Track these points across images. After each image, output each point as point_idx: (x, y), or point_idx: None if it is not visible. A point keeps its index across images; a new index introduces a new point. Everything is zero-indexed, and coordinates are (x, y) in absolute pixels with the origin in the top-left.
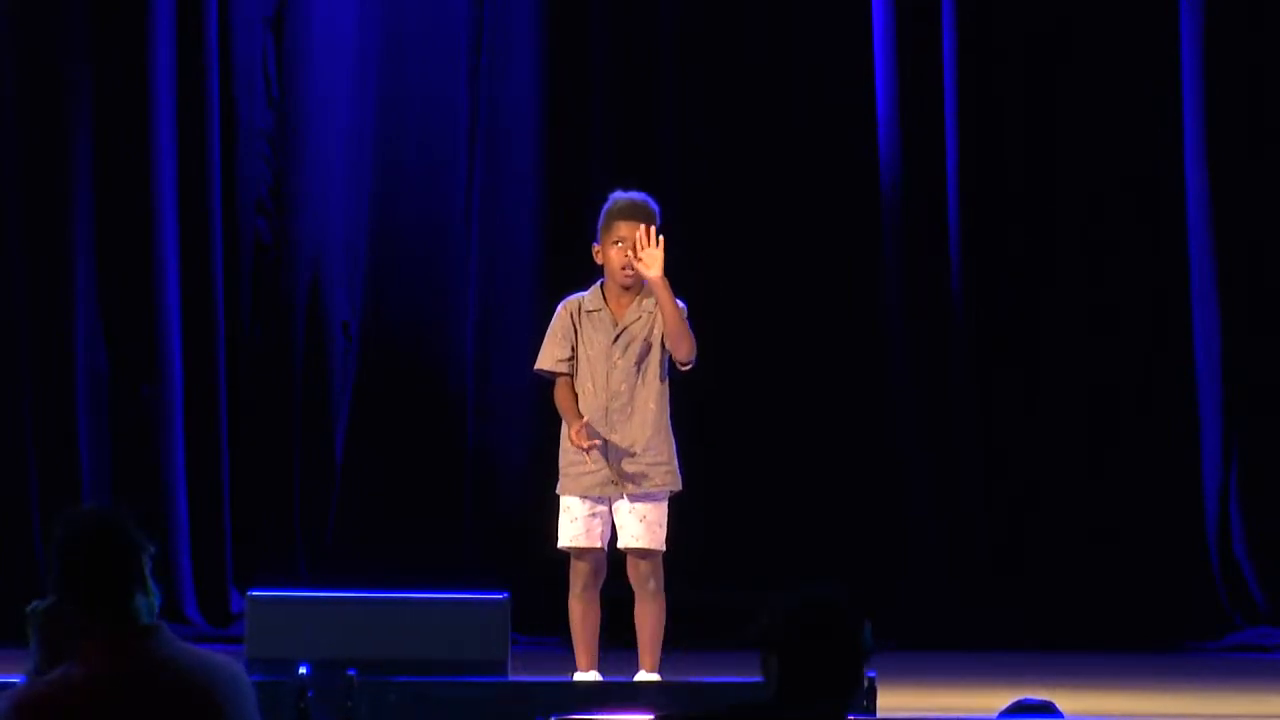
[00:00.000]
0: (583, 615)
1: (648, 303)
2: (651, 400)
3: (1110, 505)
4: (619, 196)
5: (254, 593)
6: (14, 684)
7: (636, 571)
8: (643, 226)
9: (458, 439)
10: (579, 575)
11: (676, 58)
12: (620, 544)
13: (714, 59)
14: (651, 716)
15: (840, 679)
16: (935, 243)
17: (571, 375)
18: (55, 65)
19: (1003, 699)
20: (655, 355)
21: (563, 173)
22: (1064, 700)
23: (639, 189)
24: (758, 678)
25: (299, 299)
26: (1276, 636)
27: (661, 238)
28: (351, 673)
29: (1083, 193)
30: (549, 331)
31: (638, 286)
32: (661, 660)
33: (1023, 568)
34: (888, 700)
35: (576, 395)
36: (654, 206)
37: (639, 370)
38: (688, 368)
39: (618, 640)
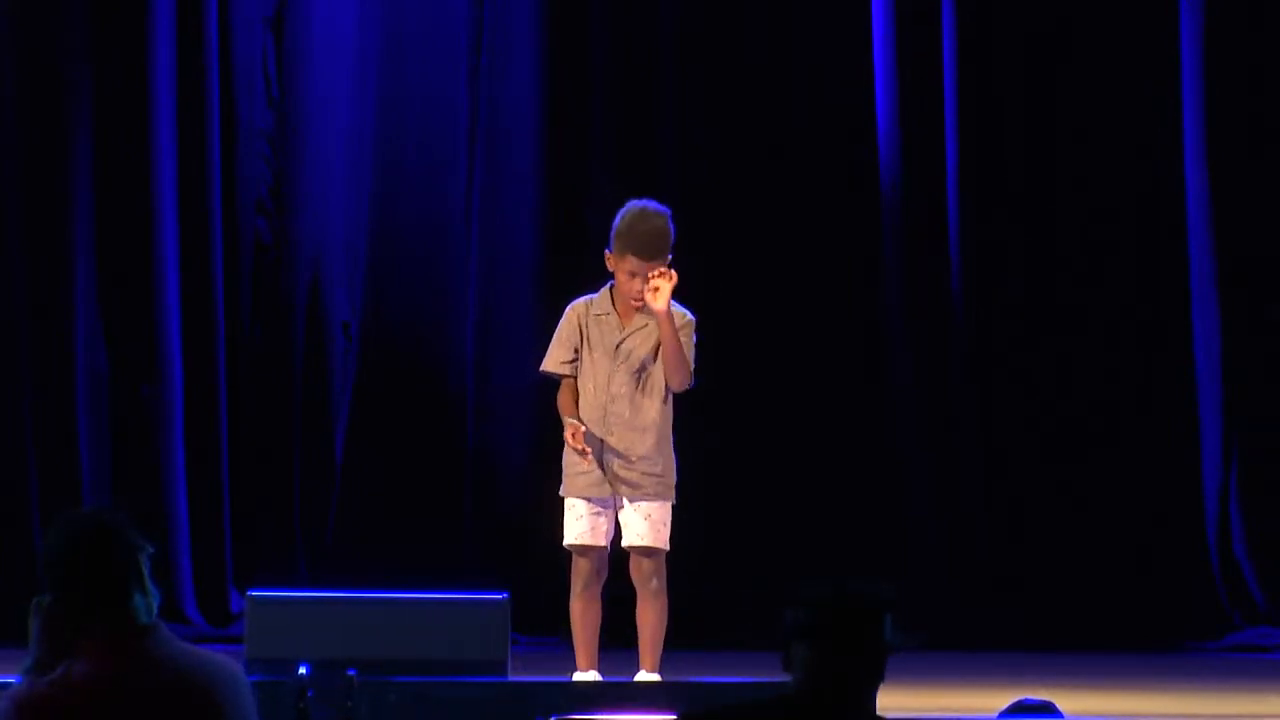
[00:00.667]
0: (583, 614)
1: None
2: (653, 409)
3: (1110, 505)
4: (638, 222)
5: (254, 593)
6: (12, 684)
7: (639, 570)
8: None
9: (458, 439)
10: (581, 574)
11: (676, 58)
12: (624, 542)
13: (714, 59)
14: (651, 716)
15: (865, 672)
16: (935, 243)
17: (575, 377)
18: (55, 65)
19: (1003, 699)
20: (659, 364)
21: (563, 173)
22: (1064, 700)
23: (638, 189)
24: (758, 678)
25: (299, 299)
26: (1276, 636)
27: (674, 272)
28: (351, 673)
29: (1083, 193)
30: (556, 333)
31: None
32: (661, 660)
33: (1023, 568)
34: (888, 700)
35: (579, 396)
36: (671, 229)
37: (641, 377)
38: (681, 391)
39: (619, 640)
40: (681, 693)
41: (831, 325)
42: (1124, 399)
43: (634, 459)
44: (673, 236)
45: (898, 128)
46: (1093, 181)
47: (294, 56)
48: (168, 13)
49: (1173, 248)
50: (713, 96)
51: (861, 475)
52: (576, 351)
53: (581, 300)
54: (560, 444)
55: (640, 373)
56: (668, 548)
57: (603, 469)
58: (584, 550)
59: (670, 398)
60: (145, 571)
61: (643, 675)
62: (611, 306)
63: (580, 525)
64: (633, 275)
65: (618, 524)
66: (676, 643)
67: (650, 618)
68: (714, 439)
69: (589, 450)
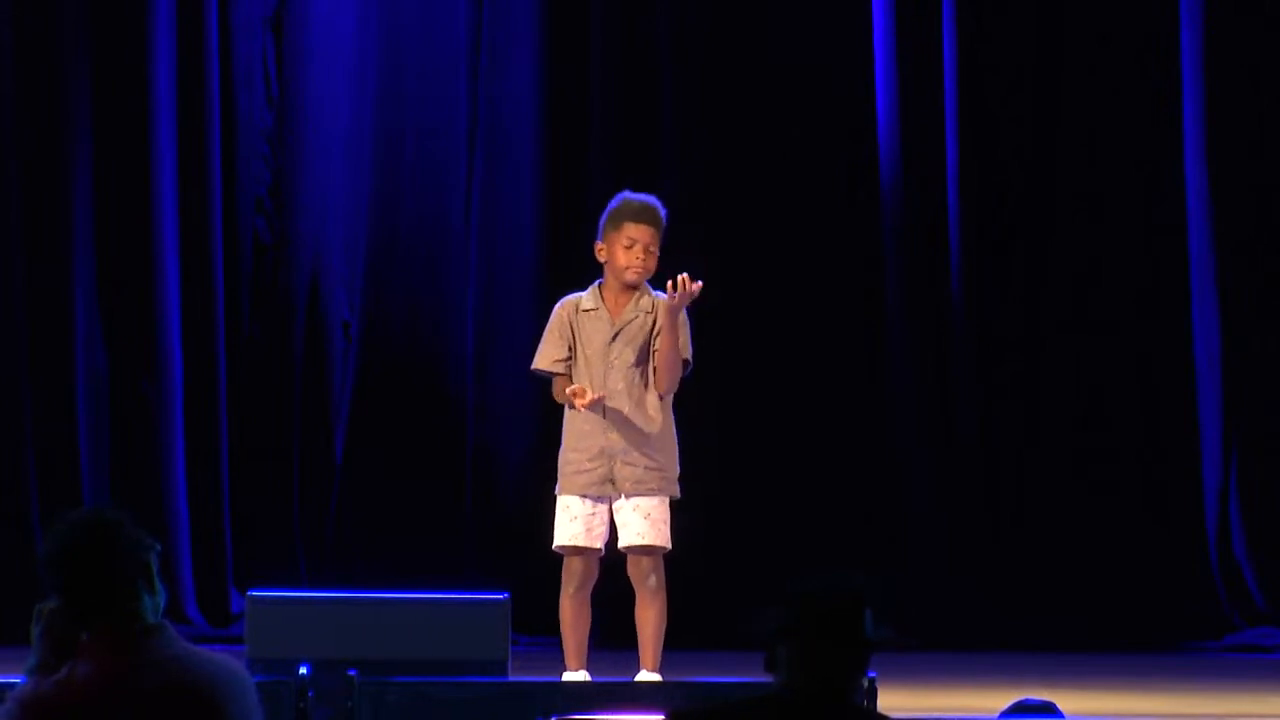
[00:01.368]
0: (574, 615)
1: (645, 302)
2: (653, 403)
3: (1110, 505)
4: (629, 197)
5: (254, 593)
6: (16, 684)
7: (638, 569)
8: (684, 275)
9: (458, 439)
10: (573, 575)
11: (676, 58)
12: (622, 543)
13: (714, 58)
14: (653, 716)
15: (845, 665)
16: (935, 243)
17: (569, 375)
18: (55, 65)
19: (1003, 699)
20: (654, 358)
21: (563, 173)
22: (1064, 700)
23: (638, 188)
24: (758, 677)
25: (299, 299)
26: (1276, 636)
27: (700, 284)
28: (351, 673)
29: (1083, 193)
30: (546, 331)
31: (640, 284)
32: (661, 659)
33: (1023, 567)
34: (888, 700)
35: None
36: (662, 211)
37: (638, 370)
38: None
39: (618, 640)
40: (681, 693)
41: (831, 324)
42: (1124, 399)
43: (636, 454)
44: (665, 217)
45: (898, 127)
46: (1093, 181)
47: (294, 56)
48: (168, 13)
49: (1173, 248)
50: (712, 96)
51: (862, 474)
52: (570, 350)
53: (570, 298)
54: (557, 443)
55: (637, 367)
56: (669, 546)
57: (602, 467)
58: (577, 551)
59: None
60: (154, 570)
61: (643, 675)
62: (601, 302)
63: (575, 526)
64: (631, 244)
65: (613, 526)
66: (675, 642)
67: (650, 617)
68: (714, 437)
69: (599, 397)
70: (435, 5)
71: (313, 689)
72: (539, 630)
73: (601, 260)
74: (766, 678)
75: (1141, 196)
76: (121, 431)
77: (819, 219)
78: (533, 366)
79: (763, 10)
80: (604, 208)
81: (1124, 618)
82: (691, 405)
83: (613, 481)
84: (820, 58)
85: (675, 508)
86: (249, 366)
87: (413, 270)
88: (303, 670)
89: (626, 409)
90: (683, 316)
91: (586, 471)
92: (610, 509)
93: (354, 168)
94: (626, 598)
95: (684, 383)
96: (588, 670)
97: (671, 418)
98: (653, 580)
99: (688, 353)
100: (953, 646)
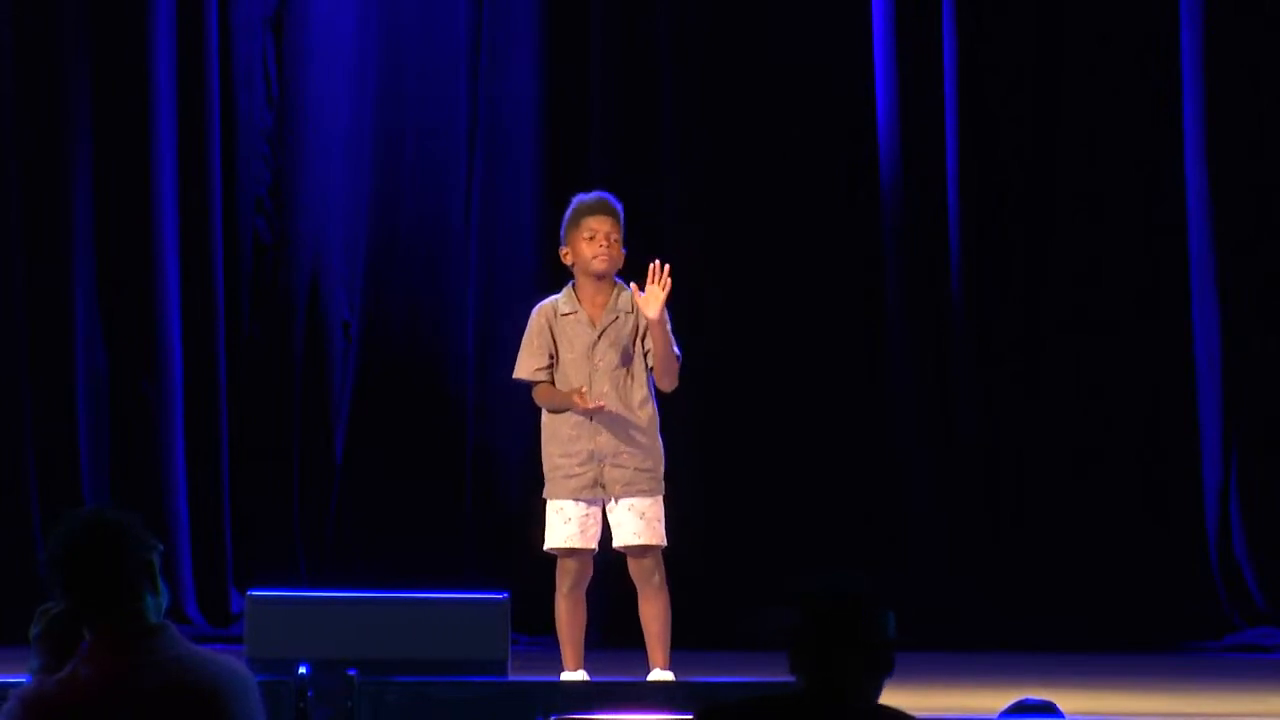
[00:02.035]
0: (570, 615)
1: (623, 300)
2: (639, 404)
3: (1110, 505)
4: (582, 197)
5: (254, 593)
6: (17, 684)
7: (639, 568)
8: (656, 262)
9: (458, 439)
10: (567, 575)
11: (676, 58)
12: (617, 543)
13: (714, 58)
14: (651, 716)
15: (861, 664)
16: (935, 243)
17: (551, 380)
18: (55, 65)
19: (1003, 699)
20: (639, 358)
21: (563, 173)
22: (1064, 700)
23: (638, 188)
24: (759, 677)
25: (299, 299)
26: (1276, 636)
27: (669, 280)
28: (351, 673)
29: (1083, 192)
30: (525, 340)
31: (609, 276)
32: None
33: (1022, 567)
34: (888, 701)
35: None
36: (618, 205)
37: (623, 372)
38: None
39: (618, 640)
40: (683, 693)
41: (832, 324)
42: (1124, 399)
43: (625, 456)
44: (621, 211)
45: (898, 127)
46: (1093, 181)
47: (294, 56)
48: (168, 13)
49: (1173, 248)
50: (712, 96)
51: (862, 474)
52: (551, 356)
53: (547, 302)
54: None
55: (622, 367)
56: (665, 542)
57: (591, 471)
58: (571, 552)
59: (653, 388)
60: (157, 570)
61: (656, 674)
62: (578, 304)
63: (569, 528)
64: (592, 235)
65: (605, 526)
66: (676, 642)
67: (655, 614)
68: (714, 437)
69: (604, 404)
70: (435, 5)
71: (312, 689)
72: (538, 630)
73: (569, 263)
74: (767, 678)
75: (1141, 196)
76: (121, 431)
77: (819, 219)
78: (514, 375)
79: (763, 10)
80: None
81: (1124, 618)
82: (691, 405)
83: (603, 485)
84: (820, 58)
85: (674, 503)
86: (249, 366)
87: (413, 270)
88: (302, 670)
89: (615, 410)
90: (664, 313)
91: (576, 476)
92: (603, 509)
93: (354, 168)
94: (626, 598)
95: (682, 382)
96: (585, 669)
97: (657, 415)
98: (655, 578)
99: (676, 347)
100: (953, 646)
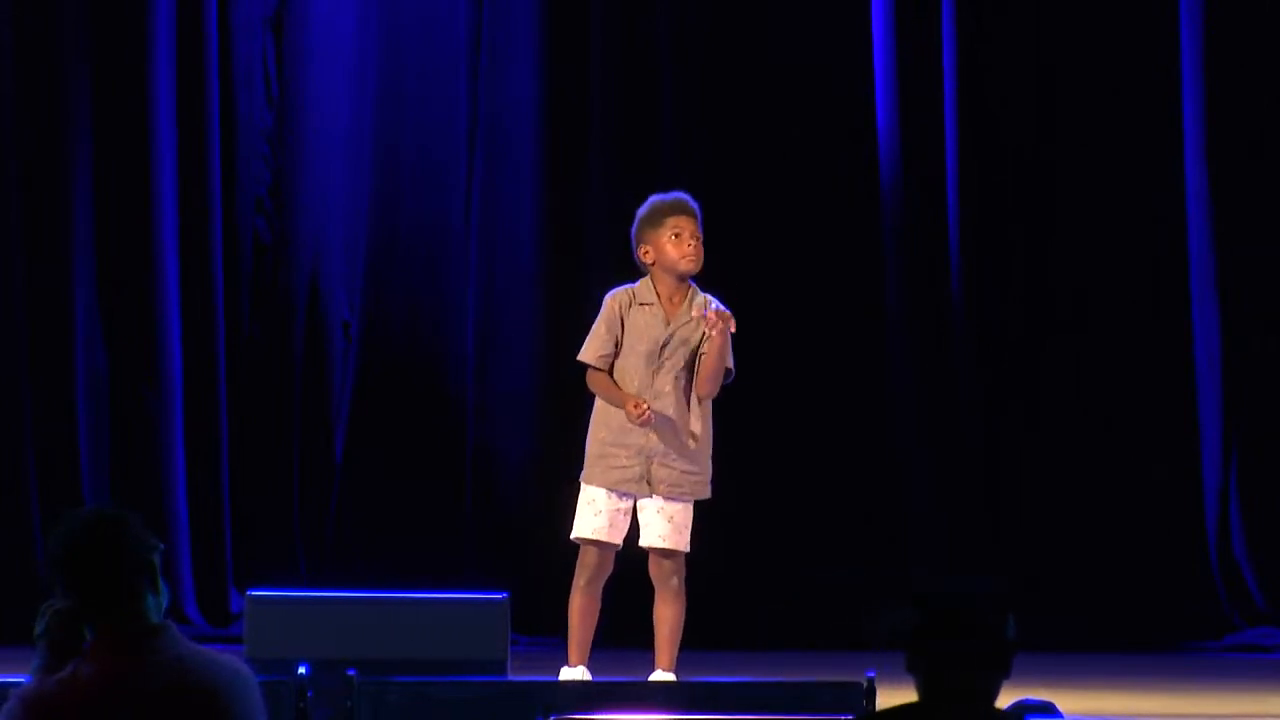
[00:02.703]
0: (584, 610)
1: (697, 304)
2: (697, 409)
3: (1110, 505)
4: (661, 197)
5: (254, 593)
6: (18, 683)
7: (660, 569)
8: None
9: (458, 439)
10: (587, 568)
11: (676, 58)
12: (643, 542)
13: (714, 59)
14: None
15: (986, 675)
16: (935, 243)
17: (611, 369)
18: (55, 65)
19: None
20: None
21: (563, 173)
22: (1064, 700)
23: (638, 188)
24: (758, 677)
25: (299, 299)
26: (1276, 636)
27: (734, 324)
28: (351, 673)
29: (1083, 192)
30: (597, 323)
31: (695, 273)
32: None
33: (1022, 567)
34: (888, 700)
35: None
36: (695, 204)
37: (685, 374)
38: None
39: (620, 640)
40: (686, 693)
41: (832, 324)
42: (1124, 399)
43: (674, 457)
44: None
45: (898, 128)
46: (1093, 181)
47: (294, 56)
48: (168, 13)
49: (1173, 248)
50: (712, 96)
51: (862, 473)
52: (616, 344)
53: (622, 289)
54: (575, 432)
55: (684, 370)
56: (688, 549)
57: (639, 466)
58: (596, 545)
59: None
60: (157, 570)
61: (658, 674)
62: (656, 298)
63: (599, 520)
64: (678, 233)
65: (635, 523)
66: (689, 642)
67: (669, 616)
68: (714, 437)
69: (651, 416)
70: (435, 5)
71: (312, 689)
72: (539, 630)
73: (649, 262)
74: (766, 678)
75: (1141, 197)
76: (121, 431)
77: (819, 219)
78: (579, 357)
79: (763, 10)
80: (603, 209)
81: (1124, 618)
82: None
83: (648, 481)
84: (820, 58)
85: (699, 508)
86: (249, 366)
87: (413, 270)
88: (302, 670)
89: (671, 411)
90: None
91: (623, 468)
92: (636, 505)
93: (354, 168)
94: (632, 597)
95: None
96: (588, 668)
97: (710, 422)
98: (674, 581)
99: (730, 361)
100: None
